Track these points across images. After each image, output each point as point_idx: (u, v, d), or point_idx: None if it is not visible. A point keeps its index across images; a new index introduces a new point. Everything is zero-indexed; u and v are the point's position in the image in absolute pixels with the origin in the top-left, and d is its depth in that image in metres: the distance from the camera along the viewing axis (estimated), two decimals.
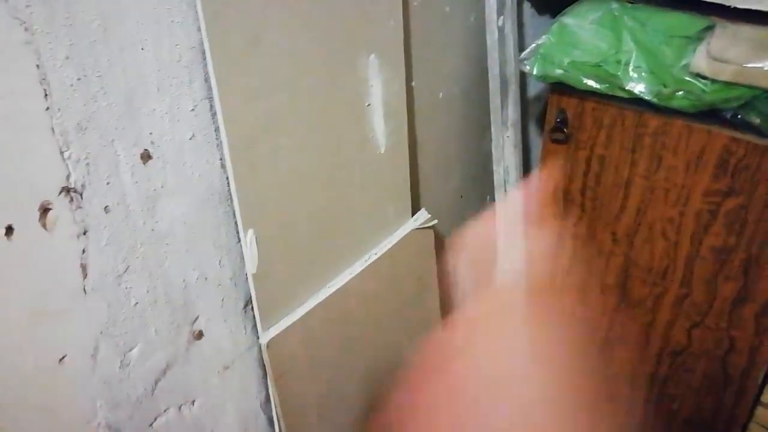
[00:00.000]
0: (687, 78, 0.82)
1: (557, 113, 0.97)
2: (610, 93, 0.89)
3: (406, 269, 0.96)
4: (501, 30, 0.84)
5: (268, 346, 0.72)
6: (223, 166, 0.64)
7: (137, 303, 0.62)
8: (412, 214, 0.96)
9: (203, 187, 0.63)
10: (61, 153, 0.50)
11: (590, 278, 1.11)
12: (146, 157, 0.56)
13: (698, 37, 0.81)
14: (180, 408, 0.70)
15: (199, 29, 0.55)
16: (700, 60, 0.81)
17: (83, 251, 0.55)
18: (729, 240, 0.92)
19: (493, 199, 1.09)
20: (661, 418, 1.16)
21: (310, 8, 0.65)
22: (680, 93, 0.83)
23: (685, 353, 1.06)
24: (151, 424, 0.67)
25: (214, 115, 0.61)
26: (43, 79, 0.48)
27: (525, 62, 0.91)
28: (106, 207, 0.55)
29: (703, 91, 0.82)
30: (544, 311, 0.40)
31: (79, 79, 0.50)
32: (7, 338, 0.51)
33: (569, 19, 0.88)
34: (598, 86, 0.89)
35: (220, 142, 0.61)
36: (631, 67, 0.85)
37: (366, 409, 0.93)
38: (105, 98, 0.51)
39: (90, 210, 0.54)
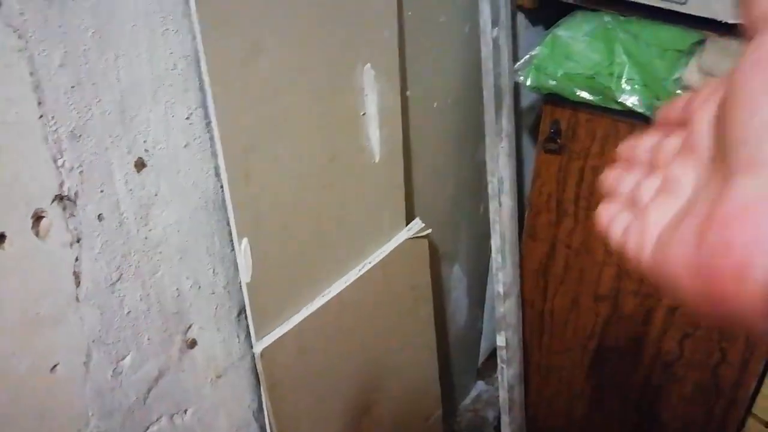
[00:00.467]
0: (679, 91, 0.83)
1: (551, 124, 0.98)
2: (604, 105, 0.89)
3: (401, 279, 0.96)
4: (495, 41, 0.85)
5: (261, 355, 0.72)
6: (217, 174, 0.64)
7: (130, 311, 0.61)
8: (407, 224, 0.96)
9: (197, 195, 0.63)
10: (55, 161, 0.50)
11: (583, 287, 1.11)
12: (140, 165, 0.56)
13: (690, 51, 0.82)
14: (172, 417, 0.70)
15: (194, 38, 0.56)
16: (691, 73, 0.82)
17: (76, 259, 0.55)
18: None
19: (487, 209, 1.09)
20: (652, 428, 1.16)
21: (307, 19, 0.65)
22: None
23: (676, 364, 1.07)
24: None
25: (208, 123, 0.61)
26: (37, 86, 0.48)
27: (519, 73, 0.92)
28: (99, 215, 0.55)
29: None
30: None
31: (73, 87, 0.50)
32: None
33: (563, 31, 0.89)
34: (591, 98, 0.89)
35: (215, 150, 0.61)
36: (624, 80, 0.86)
37: (358, 418, 0.93)
38: (99, 106, 0.51)
39: (83, 218, 0.54)
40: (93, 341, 0.59)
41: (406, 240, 0.95)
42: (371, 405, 0.95)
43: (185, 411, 0.71)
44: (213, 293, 0.69)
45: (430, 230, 0.99)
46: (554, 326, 1.20)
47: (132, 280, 0.60)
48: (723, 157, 0.20)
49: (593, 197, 1.01)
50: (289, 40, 0.63)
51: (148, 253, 0.60)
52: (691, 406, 1.08)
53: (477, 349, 1.47)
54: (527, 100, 1.13)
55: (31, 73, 0.47)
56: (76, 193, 0.53)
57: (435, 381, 1.11)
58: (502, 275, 1.07)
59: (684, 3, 0.80)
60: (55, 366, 0.56)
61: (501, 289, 1.09)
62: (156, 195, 0.59)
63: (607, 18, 0.87)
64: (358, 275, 0.85)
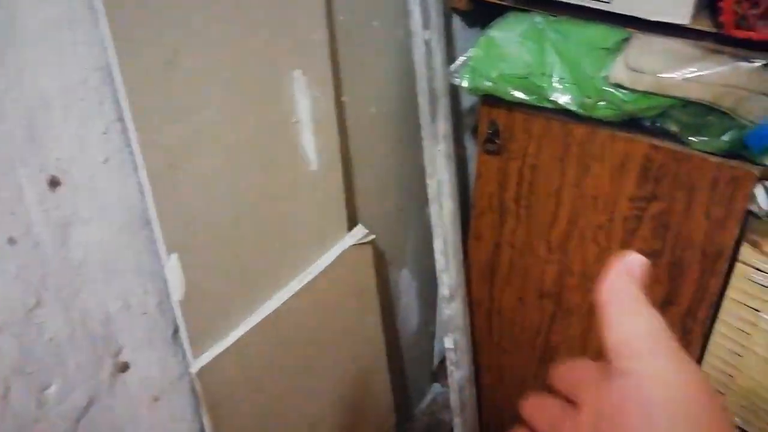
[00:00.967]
0: (608, 88, 0.85)
1: (489, 125, 0.98)
2: (538, 104, 0.90)
3: (345, 286, 0.95)
4: (428, 44, 0.85)
5: (200, 374, 0.69)
6: (141, 189, 0.61)
7: (52, 337, 0.58)
8: (349, 230, 0.95)
9: (121, 211, 0.60)
10: None
11: (528, 284, 1.12)
12: (54, 183, 0.53)
13: (617, 49, 0.84)
14: None
15: (106, 49, 0.53)
16: (619, 71, 0.84)
17: None
18: (655, 244, 0.95)
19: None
20: None
21: (231, 25, 0.63)
22: (603, 103, 0.86)
23: None
24: None
25: (128, 136, 0.58)
26: None
27: (455, 75, 0.92)
28: (10, 238, 0.52)
29: (624, 101, 0.84)
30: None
31: None
32: None
33: (495, 32, 0.90)
34: (526, 98, 0.90)
35: (137, 165, 0.59)
36: (555, 79, 0.87)
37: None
38: (3, 123, 0.48)
39: None
40: (12, 372, 0.55)
41: (350, 247, 0.94)
42: (319, 420, 0.93)
43: None
44: (145, 313, 0.66)
45: (374, 236, 0.98)
46: (503, 325, 1.21)
47: (52, 305, 0.57)
48: None
49: (533, 196, 1.02)
50: (211, 47, 0.61)
51: (69, 276, 0.57)
52: None
53: (431, 351, 1.47)
54: (468, 101, 1.13)
55: None
56: None
57: (386, 390, 1.10)
58: (446, 277, 1.07)
59: (609, 2, 0.82)
60: None
61: (446, 292, 1.09)
62: (74, 214, 0.56)
63: (537, 18, 0.88)
64: (300, 286, 0.83)
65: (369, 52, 0.91)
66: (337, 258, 0.91)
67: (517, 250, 1.10)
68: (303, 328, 0.85)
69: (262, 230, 0.75)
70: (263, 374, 0.79)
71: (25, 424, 0.57)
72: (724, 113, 0.80)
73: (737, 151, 0.82)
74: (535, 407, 0.32)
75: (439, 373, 1.50)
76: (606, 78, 0.84)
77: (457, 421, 1.21)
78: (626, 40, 0.84)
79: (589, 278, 1.04)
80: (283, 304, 0.79)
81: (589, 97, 0.86)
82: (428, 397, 1.49)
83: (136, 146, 0.56)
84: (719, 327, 0.95)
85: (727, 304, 0.93)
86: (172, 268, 0.63)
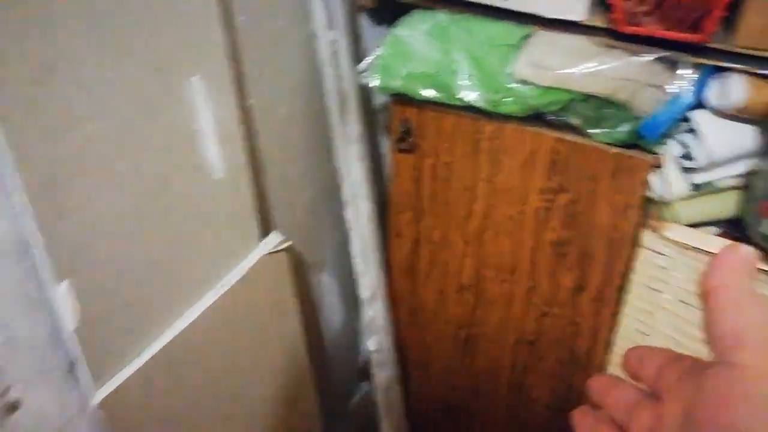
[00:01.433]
0: (513, 84, 0.86)
1: (401, 123, 0.97)
2: (448, 102, 0.90)
3: (261, 297, 0.92)
4: (333, 44, 0.83)
5: (102, 406, 0.65)
6: (22, 213, 0.56)
7: None
8: (263, 238, 0.92)
9: None
10: None
11: (448, 279, 1.13)
12: None
13: (520, 45, 0.85)
14: None
15: None
16: (522, 67, 0.85)
17: None
18: (564, 234, 0.98)
19: None
20: (524, 407, 1.22)
21: (114, 33, 0.58)
22: (509, 99, 0.87)
23: (538, 343, 1.12)
24: None
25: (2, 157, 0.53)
26: None
27: (364, 75, 0.90)
28: None
29: (528, 96, 0.86)
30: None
31: None
32: None
33: (402, 31, 0.89)
34: (435, 96, 0.90)
35: (14, 186, 0.53)
36: (463, 77, 0.87)
37: None
38: None
39: None
40: None
41: (264, 256, 0.91)
42: None
43: None
44: (35, 346, 0.61)
45: (290, 242, 0.95)
46: (426, 321, 1.21)
47: None
48: None
49: (449, 192, 1.03)
50: (93, 57, 0.56)
51: None
52: (556, 380, 1.15)
53: (357, 350, 1.46)
54: (381, 100, 1.12)
55: None
56: None
57: (311, 397, 1.08)
58: (366, 279, 1.06)
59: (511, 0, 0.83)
60: None
61: (367, 294, 1.08)
62: None
63: (441, 16, 0.88)
64: (212, 302, 0.79)
65: (274, 54, 0.88)
66: (250, 268, 0.88)
67: (436, 245, 1.10)
68: (217, 345, 0.82)
69: (165, 247, 0.71)
70: (174, 398, 0.75)
71: None
72: (620, 106, 0.83)
73: (634, 141, 0.86)
74: (608, 390, 0.30)
75: (367, 371, 1.50)
76: (511, 74, 0.86)
77: (384, 422, 1.20)
78: (528, 36, 0.85)
79: (506, 270, 1.06)
80: (193, 322, 0.75)
81: (496, 93, 0.87)
82: (357, 396, 1.48)
83: (11, 167, 0.51)
84: (627, 309, 0.99)
85: (634, 288, 0.97)
86: (63, 295, 0.58)
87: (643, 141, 0.85)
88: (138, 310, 0.68)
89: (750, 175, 0.82)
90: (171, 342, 0.71)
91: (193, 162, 0.72)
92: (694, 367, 0.25)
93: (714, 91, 0.78)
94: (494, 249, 1.05)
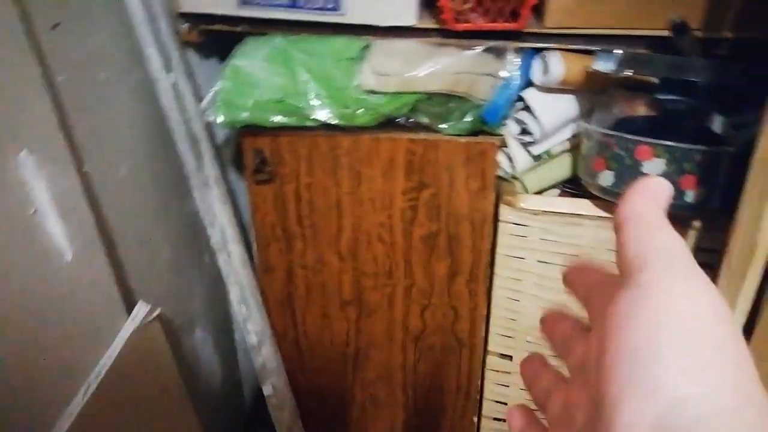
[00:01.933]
0: (362, 96, 0.88)
1: (255, 155, 0.94)
2: (300, 125, 0.89)
3: (141, 374, 0.82)
4: (174, 87, 0.77)
5: None
6: None
7: None
8: (129, 312, 0.82)
9: None
10: None
11: (329, 299, 1.12)
12: None
13: (361, 57, 0.88)
14: None
15: None
16: (367, 77, 0.88)
17: None
18: (432, 226, 1.03)
19: (214, 261, 1.00)
20: (420, 399, 1.25)
21: None
22: (361, 111, 0.89)
23: (423, 336, 1.16)
24: None
25: None
26: None
27: (207, 113, 0.85)
28: None
29: (378, 104, 0.89)
30: None
31: None
32: None
33: (240, 61, 0.85)
34: (286, 121, 0.89)
35: None
36: (311, 97, 0.87)
37: None
38: None
39: None
40: None
41: (134, 331, 0.81)
42: None
43: None
44: None
45: (159, 309, 0.86)
46: (312, 348, 1.18)
47: None
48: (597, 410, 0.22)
49: (315, 213, 1.02)
50: None
51: None
52: (445, 366, 1.20)
53: (242, 400, 1.37)
54: (222, 135, 1.06)
55: None
56: None
57: None
58: (251, 325, 1.00)
59: (343, 14, 0.85)
60: None
61: (254, 340, 1.02)
62: None
63: (278, 40, 0.87)
64: (86, 398, 0.68)
65: (102, 110, 0.78)
66: (122, 348, 0.78)
67: (311, 269, 1.08)
68: None
69: (16, 352, 0.60)
70: None
71: None
72: (461, 98, 0.90)
73: (480, 128, 0.94)
74: (552, 323, 0.30)
75: (256, 418, 1.41)
76: (358, 86, 0.88)
77: None
78: (367, 47, 0.88)
79: (383, 275, 1.08)
80: (71, 425, 0.64)
81: (347, 108, 0.89)
82: None
83: None
84: (497, 281, 1.08)
85: (499, 260, 1.06)
86: None
87: (487, 126, 0.93)
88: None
89: (577, 137, 0.94)
90: None
91: (35, 248, 0.62)
92: (613, 286, 0.25)
93: (537, 70, 0.88)
94: (369, 258, 1.07)
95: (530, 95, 0.90)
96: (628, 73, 0.82)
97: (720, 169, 0.83)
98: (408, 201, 1.00)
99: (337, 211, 1.01)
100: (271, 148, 0.94)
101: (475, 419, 1.24)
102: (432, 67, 0.87)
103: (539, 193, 1.01)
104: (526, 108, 0.92)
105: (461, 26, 0.83)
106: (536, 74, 0.88)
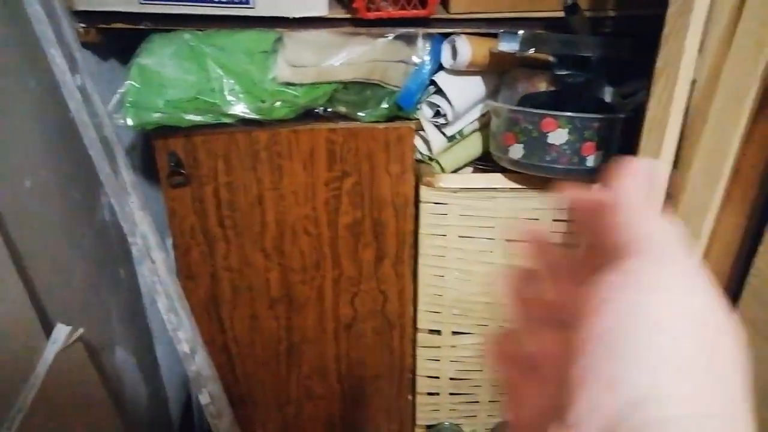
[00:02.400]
0: (279, 89, 0.87)
1: (168, 157, 0.90)
2: (216, 122, 0.87)
3: (68, 398, 0.77)
4: (82, 90, 0.71)
5: None
6: None
7: None
8: (48, 336, 0.77)
9: None
10: None
11: (257, 300, 1.10)
12: None
13: (275, 50, 0.87)
14: None
15: None
16: (282, 70, 0.87)
17: None
18: (356, 214, 1.04)
19: (133, 273, 0.95)
20: (356, 388, 1.27)
21: None
22: (278, 104, 0.88)
23: (355, 323, 1.18)
24: None
25: None
26: None
27: (116, 116, 0.80)
28: None
29: (296, 96, 0.88)
30: None
31: None
32: None
33: (146, 59, 0.81)
34: (201, 119, 0.86)
35: None
36: (226, 92, 0.85)
37: None
38: None
39: None
40: None
41: (56, 356, 0.76)
42: None
43: None
44: None
45: (81, 330, 0.81)
46: (242, 352, 1.16)
47: None
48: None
49: (237, 213, 0.99)
50: None
51: None
52: (378, 350, 1.22)
53: (168, 414, 1.31)
54: (128, 138, 1.00)
55: None
56: None
57: None
58: (182, 334, 0.97)
59: (253, 7, 0.83)
60: None
61: (186, 348, 0.98)
62: None
63: (186, 36, 0.83)
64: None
65: (2, 119, 0.71)
66: (46, 375, 0.73)
67: (236, 271, 1.06)
68: None
69: None
70: None
71: None
72: (377, 85, 0.92)
73: (396, 114, 0.96)
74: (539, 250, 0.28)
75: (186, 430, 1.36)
76: (273, 79, 0.86)
77: None
78: (279, 39, 0.87)
79: (311, 268, 1.08)
80: None
81: (264, 101, 0.87)
82: None
83: None
84: (422, 260, 1.12)
85: (423, 240, 1.09)
86: None
87: (403, 111, 0.95)
88: None
89: (487, 115, 1.00)
90: None
91: None
92: (584, 273, 0.23)
93: (446, 55, 0.92)
94: (296, 252, 1.06)
95: (441, 79, 0.94)
96: (530, 52, 0.87)
97: (614, 135, 0.91)
98: (331, 191, 1.01)
99: (260, 208, 0.99)
100: (186, 149, 0.91)
101: (410, 397, 1.28)
102: (346, 57, 0.88)
103: (455, 171, 1.05)
104: (438, 91, 0.95)
105: (372, 14, 0.84)
106: (446, 58, 0.92)
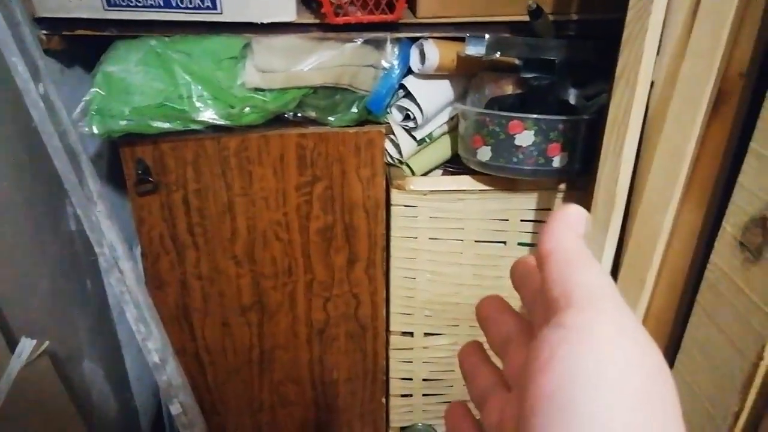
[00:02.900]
0: (248, 94, 0.87)
1: (135, 165, 0.88)
2: (184, 128, 0.86)
3: (34, 413, 0.75)
4: (45, 98, 0.70)
5: None
6: None
7: None
8: (12, 350, 0.75)
9: None
10: None
11: (228, 307, 1.09)
12: None
13: (243, 56, 0.86)
14: None
15: None
16: (251, 75, 0.86)
17: None
18: (327, 219, 1.04)
19: (100, 283, 0.93)
20: (329, 393, 1.27)
21: None
22: (247, 109, 0.88)
23: (327, 327, 1.18)
24: None
25: None
26: None
27: (80, 124, 0.79)
28: None
29: (265, 101, 0.88)
30: None
31: None
32: None
33: (111, 66, 0.80)
34: (169, 125, 0.85)
35: None
36: (194, 99, 0.84)
37: None
38: None
39: None
40: None
41: (21, 370, 0.74)
42: None
43: None
44: None
45: (46, 343, 0.79)
46: (214, 360, 1.15)
47: None
48: None
49: (207, 220, 0.98)
50: None
51: None
52: (351, 354, 1.22)
53: (138, 426, 1.28)
54: (94, 146, 0.98)
55: None
56: None
57: None
58: (152, 344, 0.95)
59: (220, 13, 0.82)
60: None
61: (156, 359, 0.97)
62: None
63: (153, 42, 0.82)
64: None
65: None
66: (11, 389, 0.71)
67: (206, 279, 1.04)
68: None
69: None
70: None
71: None
72: (346, 90, 0.92)
73: (366, 118, 0.96)
74: (488, 312, 0.28)
75: None
76: (242, 85, 0.86)
77: None
78: (248, 45, 0.86)
79: (283, 273, 1.08)
80: None
81: (233, 107, 0.87)
82: None
83: None
84: (393, 263, 1.12)
85: (394, 242, 1.10)
86: None
87: (372, 115, 0.96)
88: None
89: (455, 118, 1.01)
90: None
91: None
92: (529, 330, 0.24)
93: (415, 59, 0.93)
94: (267, 258, 1.05)
95: (410, 83, 0.95)
96: (496, 55, 0.89)
97: (579, 136, 0.93)
98: (302, 196, 1.01)
99: (230, 215, 0.99)
100: (153, 156, 0.90)
101: (384, 399, 1.28)
102: (315, 62, 0.88)
103: (425, 174, 1.06)
104: (408, 95, 0.96)
105: (340, 19, 0.85)
106: (414, 62, 0.93)
